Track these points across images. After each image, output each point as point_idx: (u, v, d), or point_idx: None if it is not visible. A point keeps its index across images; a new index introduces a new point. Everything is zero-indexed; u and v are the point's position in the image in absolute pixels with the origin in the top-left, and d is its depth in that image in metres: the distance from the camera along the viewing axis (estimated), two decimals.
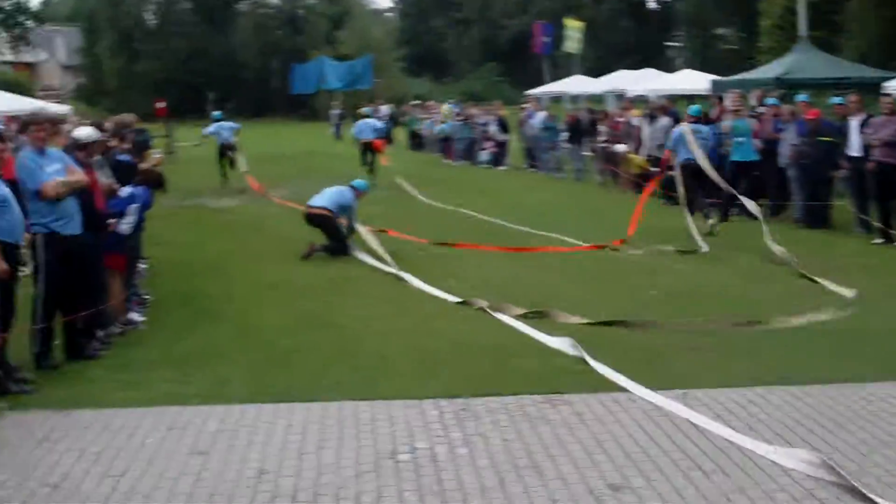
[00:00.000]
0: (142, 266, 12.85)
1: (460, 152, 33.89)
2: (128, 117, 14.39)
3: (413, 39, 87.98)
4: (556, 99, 41.72)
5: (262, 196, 23.07)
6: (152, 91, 63.58)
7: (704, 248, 15.38)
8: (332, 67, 58.30)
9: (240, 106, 70.47)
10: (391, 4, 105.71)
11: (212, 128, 27.66)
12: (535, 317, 10.85)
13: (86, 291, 9.78)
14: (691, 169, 17.08)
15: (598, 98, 40.57)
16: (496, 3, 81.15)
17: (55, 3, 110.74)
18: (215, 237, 17.91)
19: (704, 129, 18.21)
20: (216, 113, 29.73)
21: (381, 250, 14.74)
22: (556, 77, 49.66)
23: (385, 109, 44.81)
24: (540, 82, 47.96)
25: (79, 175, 9.58)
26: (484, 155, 32.41)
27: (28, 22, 64.91)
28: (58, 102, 44.21)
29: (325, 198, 15.54)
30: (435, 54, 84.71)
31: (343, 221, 15.77)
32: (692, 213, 16.67)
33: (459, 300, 11.87)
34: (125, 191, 10.84)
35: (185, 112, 58.11)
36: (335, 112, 47.81)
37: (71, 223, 9.50)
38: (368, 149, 28.23)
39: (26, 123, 9.79)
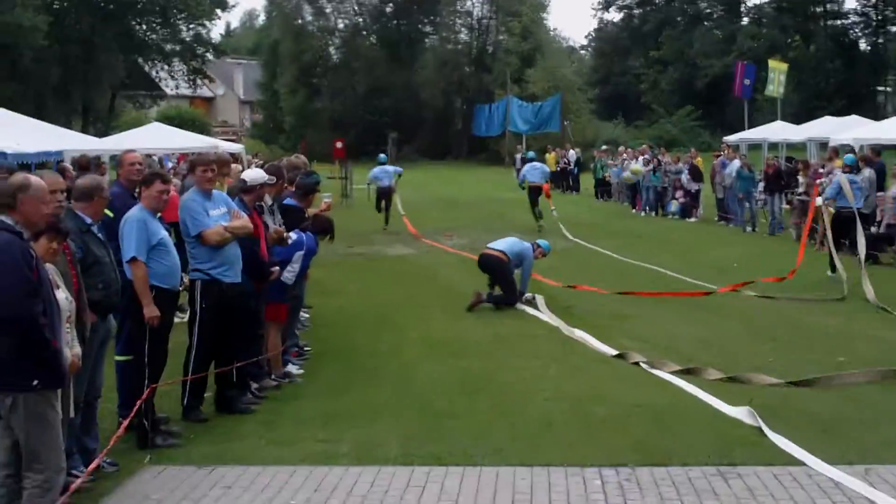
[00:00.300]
0: (304, 316, 12.67)
1: (649, 202, 32.82)
2: (298, 160, 14.12)
3: (605, 79, 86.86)
4: (755, 146, 40.25)
5: (419, 240, 23.19)
6: (330, 129, 65.34)
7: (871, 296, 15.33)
8: (518, 109, 57.90)
9: (420, 147, 71.68)
10: (585, 42, 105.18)
11: (375, 171, 28.07)
12: (694, 373, 10.59)
13: (243, 343, 9.63)
14: (844, 216, 18.24)
15: (799, 146, 38.78)
16: (696, 42, 77.75)
17: (238, 34, 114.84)
18: (382, 287, 17.67)
19: (857, 178, 19.44)
20: (381, 156, 29.92)
21: (548, 311, 14.42)
22: (756, 122, 47.66)
23: (573, 154, 44.05)
24: (739, 127, 45.52)
25: (243, 221, 9.42)
26: (674, 205, 31.29)
27: (207, 54, 64.71)
28: (233, 140, 44.67)
29: (505, 243, 15.29)
30: (628, 96, 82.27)
31: (515, 273, 15.47)
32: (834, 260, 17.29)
33: (617, 353, 11.57)
34: (291, 237, 10.44)
35: (363, 152, 58.42)
36: (520, 156, 47.04)
37: (232, 270, 9.37)
38: (537, 193, 27.59)
39: (193, 164, 9.74)
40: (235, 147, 33.99)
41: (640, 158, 34.09)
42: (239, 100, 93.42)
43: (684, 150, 45.28)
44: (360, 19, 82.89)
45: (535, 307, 14.68)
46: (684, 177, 30.98)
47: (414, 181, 42.25)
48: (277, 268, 10.01)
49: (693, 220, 29.97)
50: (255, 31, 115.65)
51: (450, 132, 78.34)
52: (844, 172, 18.44)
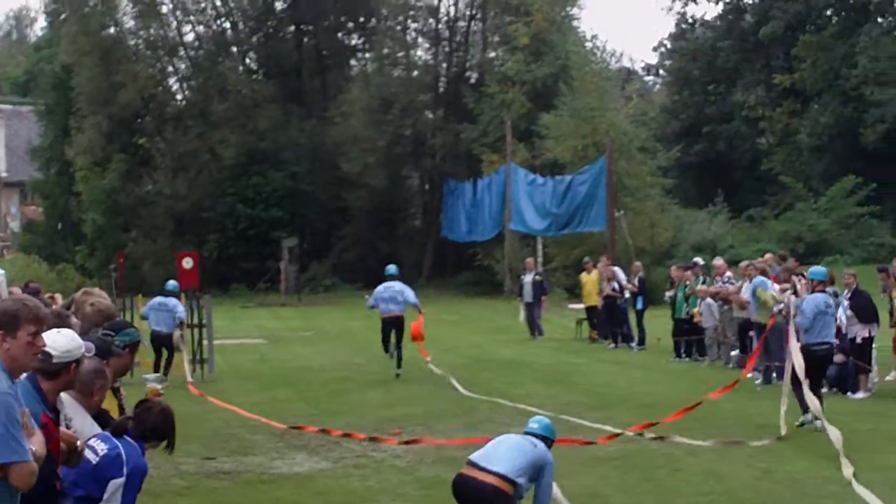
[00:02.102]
0: None
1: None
2: (95, 298, 12.14)
3: (692, 130, 69.68)
4: None
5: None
6: (172, 233, 60.17)
7: None
8: (529, 188, 51.14)
9: (341, 264, 62.29)
10: (652, 61, 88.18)
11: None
12: None
13: None
14: None
15: None
16: (861, 56, 60.05)
17: None
18: None
19: None
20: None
21: None
22: None
23: (621, 275, 33.27)
24: None
25: (39, 438, 7.85)
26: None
27: None
28: None
29: (506, 451, 12.35)
30: (734, 160, 68.21)
31: None
32: None
33: None
34: (96, 448, 8.96)
35: (233, 276, 56.04)
36: (531, 276, 37.77)
37: None
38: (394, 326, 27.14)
39: None
40: None
41: (767, 282, 24.54)
42: None
43: (841, 260, 36.57)
44: (229, 24, 64.76)
45: None
46: (843, 313, 23.02)
47: (326, 333, 36.96)
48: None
49: (861, 395, 22.40)
50: (27, 52, 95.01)
51: (398, 235, 62.46)
52: None
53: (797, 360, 18.35)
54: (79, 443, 8.40)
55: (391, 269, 27.90)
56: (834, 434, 16.50)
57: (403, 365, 25.54)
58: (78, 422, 9.22)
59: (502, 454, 12.39)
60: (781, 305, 21.03)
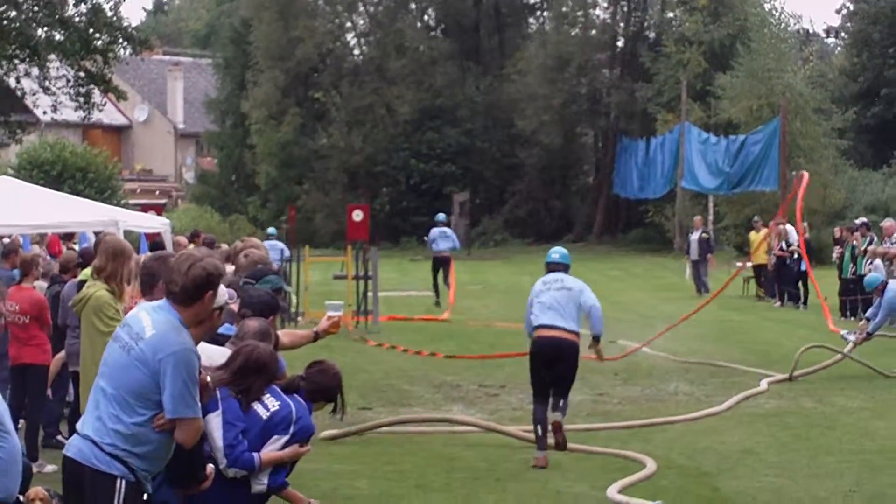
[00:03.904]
0: None
1: None
2: (250, 247, 12.42)
3: (870, 92, 65.56)
4: None
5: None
6: (345, 187, 60.84)
7: None
8: (702, 147, 50.82)
9: (512, 218, 62.32)
10: (834, 23, 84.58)
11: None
12: None
13: None
14: None
15: None
16: None
17: (174, 13, 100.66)
18: None
19: None
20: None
21: None
22: None
23: (793, 234, 31.47)
24: None
25: None
26: None
27: (117, 47, 44.68)
28: (159, 205, 42.88)
29: (561, 304, 14.55)
30: None
31: None
32: None
33: None
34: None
35: (404, 229, 49.78)
36: (698, 234, 37.75)
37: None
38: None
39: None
40: (157, 223, 26.24)
41: None
42: (175, 131, 75.17)
43: None
44: None
45: None
46: None
47: (494, 286, 36.64)
48: (211, 466, 8.03)
49: None
50: (206, 8, 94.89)
51: (570, 191, 63.62)
52: None
53: None
54: (208, 378, 8.31)
55: (441, 216, 32.81)
56: None
57: None
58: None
59: (560, 306, 14.21)
60: None
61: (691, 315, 22.11)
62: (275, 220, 48.46)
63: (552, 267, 15.06)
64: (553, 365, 14.34)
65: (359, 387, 18.13)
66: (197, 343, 7.65)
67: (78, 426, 7.47)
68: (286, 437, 9.10)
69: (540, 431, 13.61)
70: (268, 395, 8.91)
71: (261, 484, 8.89)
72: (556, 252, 15.64)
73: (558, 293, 14.49)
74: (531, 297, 14.85)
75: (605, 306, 15.58)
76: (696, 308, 22.66)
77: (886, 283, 19.48)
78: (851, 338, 19.12)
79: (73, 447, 7.27)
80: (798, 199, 25.53)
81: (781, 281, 32.25)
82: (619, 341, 22.49)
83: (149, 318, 7.20)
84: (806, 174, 27.86)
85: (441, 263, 31.08)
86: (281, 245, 29.39)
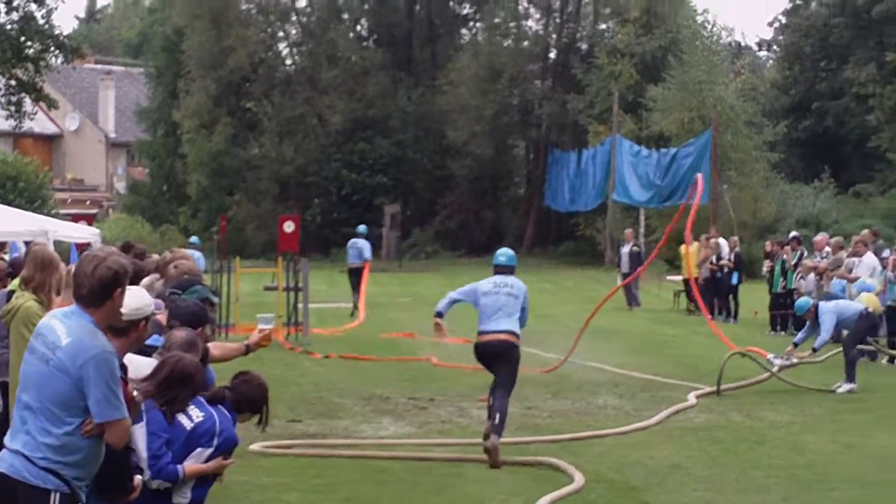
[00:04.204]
0: None
1: None
2: (178, 258, 12.25)
3: (801, 106, 67.56)
4: None
5: None
6: (275, 198, 59.88)
7: None
8: (633, 160, 51.22)
9: (443, 230, 62.21)
10: (767, 35, 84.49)
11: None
12: None
13: None
14: None
15: None
16: None
17: (107, 21, 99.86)
18: None
19: None
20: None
21: None
22: None
23: (724, 246, 33.23)
24: None
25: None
26: None
27: (49, 55, 45.97)
28: (90, 215, 44.97)
29: (505, 308, 15.01)
30: (842, 137, 65.78)
31: None
32: None
33: None
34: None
35: (334, 240, 54.64)
36: (629, 247, 38.82)
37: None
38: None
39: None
40: (87, 233, 27.63)
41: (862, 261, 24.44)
42: (106, 140, 75.53)
43: None
44: None
45: None
46: None
47: (425, 299, 35.71)
48: (139, 477, 8.00)
49: None
50: (139, 17, 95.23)
51: (502, 203, 63.53)
52: None
53: None
54: (135, 393, 8.26)
55: (361, 228, 34.45)
56: None
57: None
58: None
59: (510, 315, 14.68)
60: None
61: (589, 319, 22.77)
62: (206, 231, 48.04)
63: (500, 269, 15.42)
64: (494, 363, 15.07)
65: (288, 399, 18.03)
66: (123, 354, 7.56)
67: (6, 440, 7.35)
68: (210, 451, 8.95)
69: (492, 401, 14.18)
70: (192, 407, 8.78)
71: (184, 497, 8.71)
72: (504, 255, 15.93)
73: (506, 298, 15.01)
74: (475, 288, 15.39)
75: (535, 319, 16.10)
76: (591, 312, 23.24)
77: (817, 304, 19.85)
78: (778, 362, 19.45)
79: (5, 462, 7.18)
80: (694, 204, 25.53)
81: (713, 294, 32.82)
82: (549, 354, 22.76)
83: (62, 326, 7.07)
84: (699, 176, 27.93)
85: (351, 274, 32.76)
86: (199, 254, 29.06)
